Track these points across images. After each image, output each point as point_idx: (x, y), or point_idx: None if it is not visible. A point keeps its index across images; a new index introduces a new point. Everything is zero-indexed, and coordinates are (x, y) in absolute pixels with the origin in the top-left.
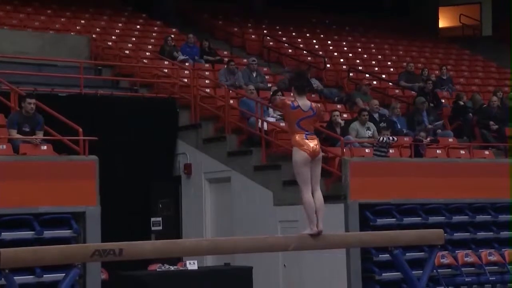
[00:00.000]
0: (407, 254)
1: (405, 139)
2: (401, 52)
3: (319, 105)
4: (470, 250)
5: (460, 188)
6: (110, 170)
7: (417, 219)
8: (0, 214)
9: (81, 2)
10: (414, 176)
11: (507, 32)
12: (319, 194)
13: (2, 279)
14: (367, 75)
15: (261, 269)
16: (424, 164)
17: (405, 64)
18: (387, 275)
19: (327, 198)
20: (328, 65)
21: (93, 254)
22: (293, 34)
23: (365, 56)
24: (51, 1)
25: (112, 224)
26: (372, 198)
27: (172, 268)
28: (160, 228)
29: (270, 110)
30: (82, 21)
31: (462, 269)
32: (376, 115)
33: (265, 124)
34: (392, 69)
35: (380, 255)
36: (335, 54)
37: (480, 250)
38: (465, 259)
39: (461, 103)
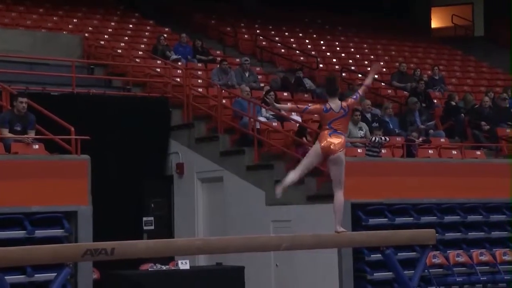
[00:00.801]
0: (399, 254)
1: (397, 139)
2: (393, 52)
3: (351, 100)
4: (462, 250)
5: (452, 188)
6: (103, 169)
7: (409, 219)
8: None
9: (73, 1)
10: (406, 176)
11: (499, 32)
12: (337, 196)
13: None
14: (359, 75)
15: (253, 268)
16: (416, 164)
17: (397, 64)
18: (379, 274)
19: (320, 198)
20: (321, 65)
21: (84, 253)
22: (286, 33)
23: (358, 56)
24: (44, 0)
25: (104, 223)
26: (364, 198)
27: (164, 267)
28: (152, 227)
29: (263, 110)
30: (74, 20)
31: (454, 269)
32: (368, 115)
33: (257, 124)
34: (384, 69)
35: (372, 255)
36: (328, 54)
37: (471, 250)
38: (457, 259)
39: (453, 103)
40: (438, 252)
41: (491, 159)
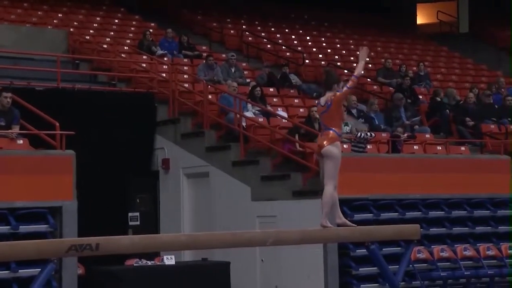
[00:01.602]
0: (384, 249)
1: (382, 135)
2: (379, 48)
3: (337, 93)
4: (446, 245)
5: (437, 183)
6: (88, 164)
7: (394, 214)
8: None
9: None
10: (392, 172)
11: (483, 29)
12: (325, 190)
13: None
14: (345, 71)
15: (239, 264)
16: (401, 160)
17: (383, 60)
18: (364, 270)
19: (305, 193)
20: (307, 61)
21: (69, 249)
22: (272, 29)
23: (344, 52)
24: None
25: (90, 219)
26: (349, 193)
27: (149, 263)
28: (138, 223)
29: (249, 105)
30: (59, 15)
31: (438, 264)
32: (354, 111)
33: (243, 120)
34: (370, 65)
35: (357, 250)
36: (314, 49)
37: (455, 245)
38: (441, 254)
39: (438, 99)
40: (422, 247)
41: (476, 155)
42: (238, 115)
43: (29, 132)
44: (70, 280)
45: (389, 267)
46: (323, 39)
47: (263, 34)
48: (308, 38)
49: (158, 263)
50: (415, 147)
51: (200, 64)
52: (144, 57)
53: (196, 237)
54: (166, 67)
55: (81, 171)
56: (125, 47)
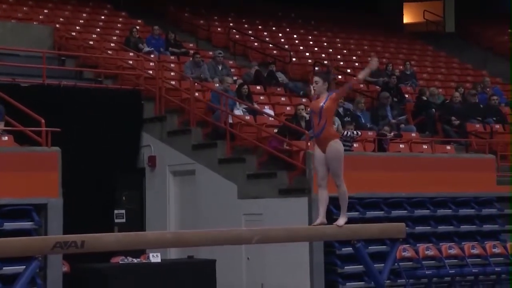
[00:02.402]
0: (369, 247)
1: (369, 133)
2: (366, 47)
3: (335, 93)
4: (431, 244)
5: (422, 182)
6: (74, 161)
7: (379, 213)
8: None
9: None
10: (377, 170)
11: (469, 29)
12: (342, 189)
13: None
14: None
15: (225, 261)
16: (387, 159)
17: (369, 59)
18: (350, 268)
19: (291, 192)
20: (294, 59)
21: (54, 246)
22: (259, 27)
23: (331, 50)
24: None
25: (75, 216)
26: (335, 191)
27: (135, 260)
28: (124, 220)
29: (237, 103)
30: (45, 11)
31: (423, 262)
32: (340, 109)
33: (230, 117)
34: (357, 64)
35: (343, 248)
36: (301, 47)
37: (440, 244)
38: (426, 252)
39: (424, 98)
40: (408, 245)
41: (461, 154)
42: (224, 113)
43: (14, 129)
44: (55, 278)
45: (375, 265)
46: (310, 37)
47: (250, 32)
48: (295, 36)
49: (143, 261)
50: (401, 145)
51: (187, 62)
52: (131, 54)
53: (181, 234)
54: (153, 64)
55: (66, 168)
56: (112, 44)
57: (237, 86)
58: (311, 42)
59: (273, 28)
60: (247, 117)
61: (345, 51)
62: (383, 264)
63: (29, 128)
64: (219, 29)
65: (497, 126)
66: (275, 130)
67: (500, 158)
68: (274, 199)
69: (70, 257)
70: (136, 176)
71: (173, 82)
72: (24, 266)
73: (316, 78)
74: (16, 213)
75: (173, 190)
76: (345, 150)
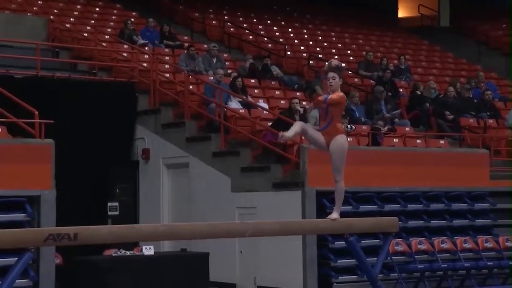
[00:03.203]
0: (362, 241)
1: (363, 127)
2: (360, 41)
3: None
4: (424, 238)
5: (416, 177)
6: (67, 154)
7: (373, 207)
8: None
9: None
10: (371, 165)
11: (464, 23)
12: (340, 185)
13: None
14: (326, 63)
15: (218, 254)
16: (381, 153)
17: (364, 53)
18: (343, 261)
19: (285, 185)
20: (289, 53)
21: (47, 238)
22: (254, 20)
23: (325, 44)
24: None
25: (69, 208)
26: (329, 185)
27: (128, 253)
28: (117, 213)
29: (231, 96)
30: (39, 2)
31: (415, 256)
32: None
33: (224, 110)
34: (351, 58)
35: (336, 242)
36: (296, 41)
37: (433, 238)
38: (419, 246)
39: (418, 92)
40: (400, 239)
41: (455, 149)
42: (220, 106)
43: (7, 120)
44: (47, 270)
45: (368, 259)
46: (305, 31)
47: (245, 25)
48: (290, 30)
49: (137, 253)
50: (395, 140)
51: (181, 54)
52: (125, 46)
53: (175, 227)
54: (147, 56)
55: (60, 160)
56: (106, 36)
57: (231, 79)
58: (306, 36)
59: (268, 22)
60: (241, 111)
61: (340, 45)
62: (376, 258)
63: (22, 120)
64: (214, 22)
65: (491, 120)
66: (269, 124)
67: (494, 152)
68: (268, 192)
69: (63, 249)
70: (130, 168)
71: (167, 75)
72: (17, 258)
73: (332, 74)
74: (8, 205)
75: (167, 183)
76: None
